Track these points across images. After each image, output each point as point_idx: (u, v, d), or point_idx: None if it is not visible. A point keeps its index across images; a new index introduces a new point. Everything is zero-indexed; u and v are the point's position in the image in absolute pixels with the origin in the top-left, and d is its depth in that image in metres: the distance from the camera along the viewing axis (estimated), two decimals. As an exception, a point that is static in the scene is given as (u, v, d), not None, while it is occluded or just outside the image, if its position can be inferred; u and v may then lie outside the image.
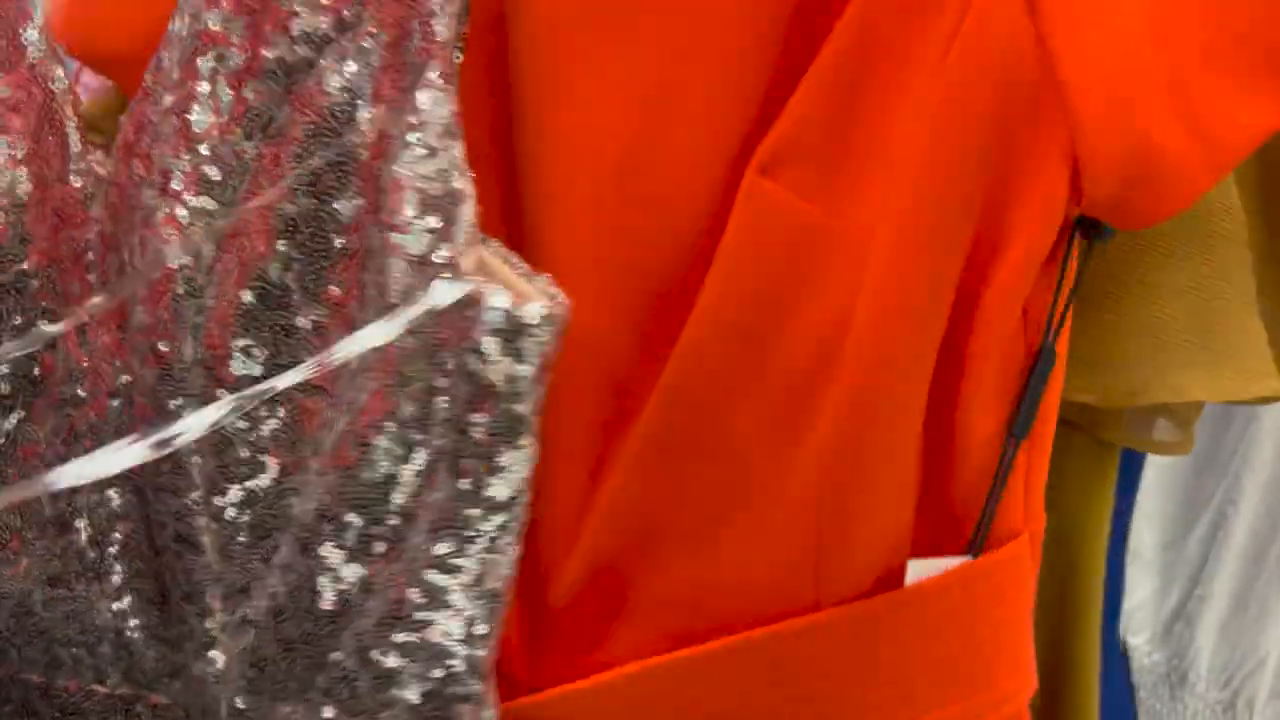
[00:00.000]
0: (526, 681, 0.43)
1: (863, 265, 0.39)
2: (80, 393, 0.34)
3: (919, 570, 0.42)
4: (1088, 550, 0.54)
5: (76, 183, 0.34)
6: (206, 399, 0.32)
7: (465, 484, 0.32)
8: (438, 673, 0.34)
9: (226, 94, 0.30)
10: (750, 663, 0.42)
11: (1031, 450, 0.43)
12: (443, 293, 0.30)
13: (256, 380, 0.32)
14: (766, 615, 0.42)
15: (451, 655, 0.34)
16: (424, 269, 0.30)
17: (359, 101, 0.31)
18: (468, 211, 0.31)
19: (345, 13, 0.30)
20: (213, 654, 0.35)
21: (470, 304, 0.31)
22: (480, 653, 0.34)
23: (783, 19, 0.41)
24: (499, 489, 0.33)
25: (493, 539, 0.33)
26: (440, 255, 0.30)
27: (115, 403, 0.34)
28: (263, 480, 0.33)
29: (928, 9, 0.38)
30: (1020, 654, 0.45)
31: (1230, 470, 0.78)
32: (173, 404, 0.33)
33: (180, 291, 0.32)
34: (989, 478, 0.42)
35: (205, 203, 0.31)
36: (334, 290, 0.32)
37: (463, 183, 0.31)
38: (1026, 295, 0.40)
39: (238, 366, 0.32)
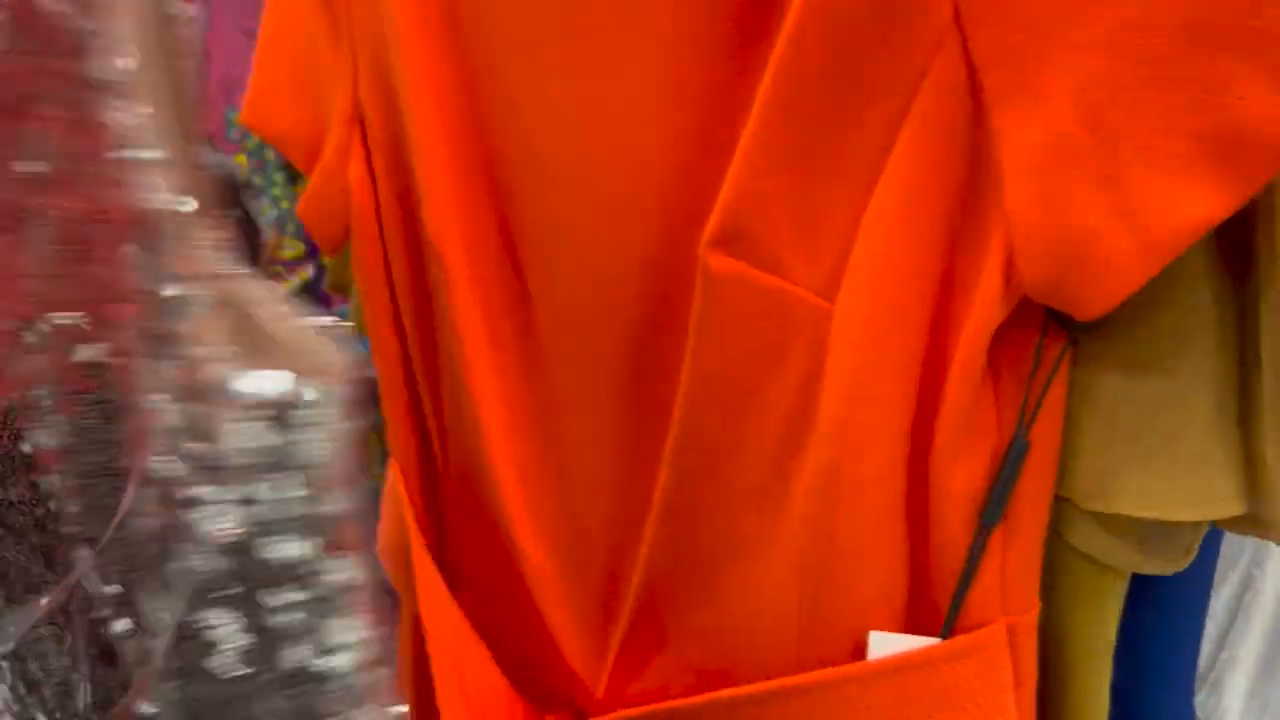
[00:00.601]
0: (598, 701, 0.49)
1: (827, 329, 0.40)
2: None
3: (881, 643, 0.42)
4: (1080, 677, 0.49)
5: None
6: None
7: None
8: None
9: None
10: (731, 716, 0.45)
11: (1010, 540, 0.42)
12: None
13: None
14: (761, 666, 0.44)
15: None
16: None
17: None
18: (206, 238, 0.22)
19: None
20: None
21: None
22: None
23: (699, 93, 0.42)
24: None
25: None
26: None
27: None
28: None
29: (873, 83, 0.38)
30: None
31: (1256, 531, 0.76)
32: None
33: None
34: (962, 562, 0.42)
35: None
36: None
37: (175, 204, 0.23)
38: (978, 376, 0.40)
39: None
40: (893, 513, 0.42)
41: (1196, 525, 0.44)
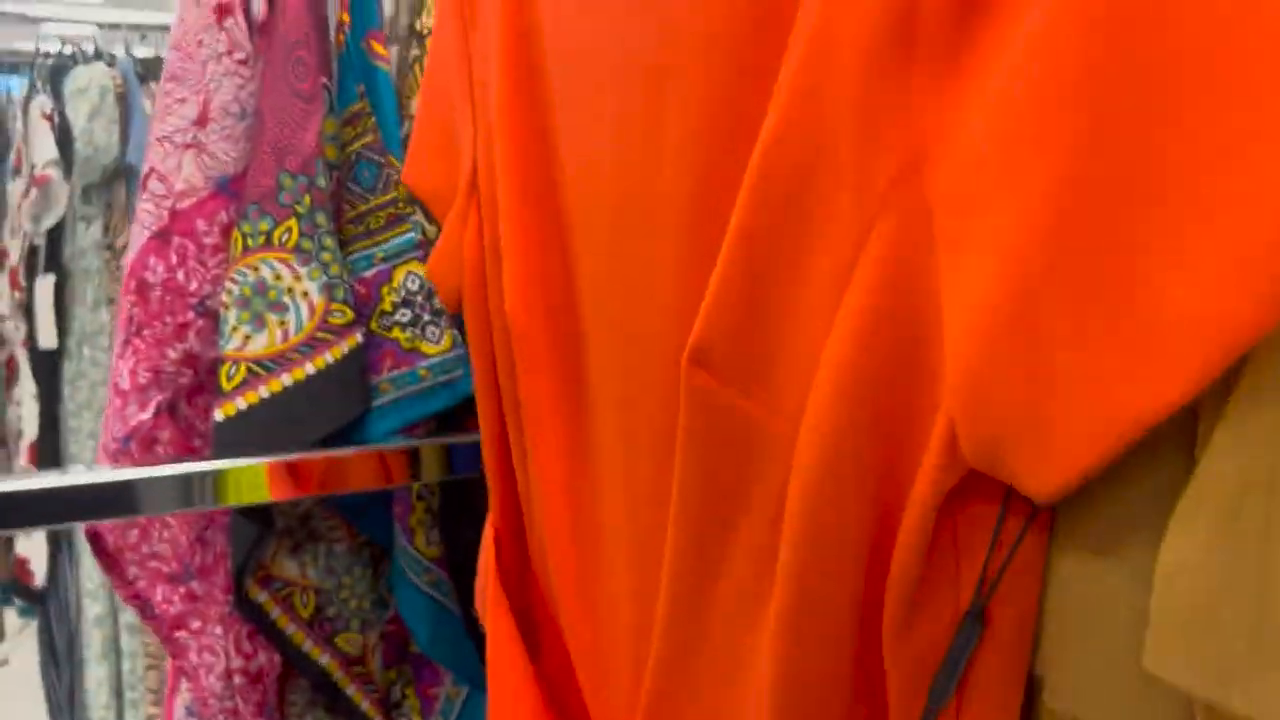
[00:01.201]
0: None
1: (787, 469, 0.38)
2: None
3: None
4: None
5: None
6: None
7: None
8: None
9: None
10: None
11: None
12: None
13: None
14: None
15: None
16: None
17: None
18: None
19: None
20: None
21: None
22: None
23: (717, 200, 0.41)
24: None
25: None
26: None
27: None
28: None
29: (835, 208, 0.35)
30: None
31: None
32: None
33: None
34: None
35: None
36: None
37: None
38: (924, 547, 0.36)
39: None
40: (848, 670, 0.40)
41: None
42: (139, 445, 0.75)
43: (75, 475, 0.67)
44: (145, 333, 0.74)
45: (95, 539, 0.77)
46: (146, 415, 0.74)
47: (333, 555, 0.83)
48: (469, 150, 0.57)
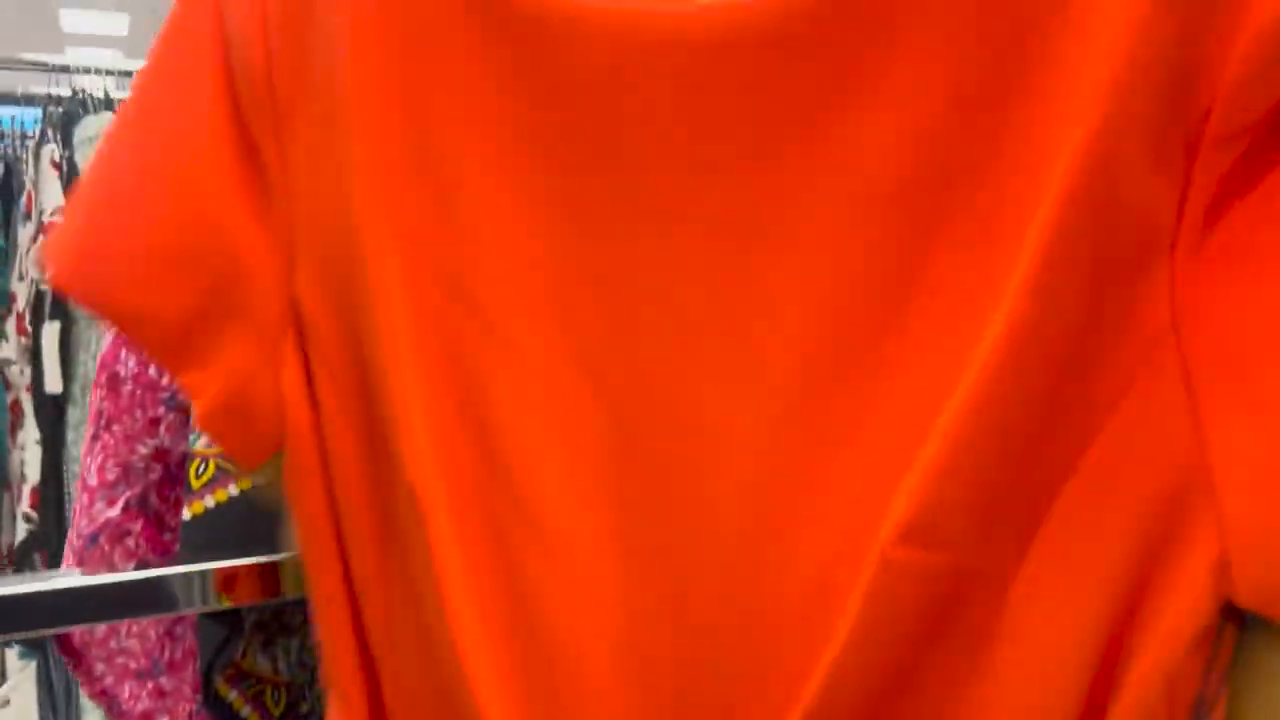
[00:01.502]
0: None
1: (1000, 605, 0.39)
2: None
3: None
4: None
5: None
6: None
7: None
8: None
9: None
10: None
11: None
12: None
13: None
14: None
15: None
16: None
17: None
18: None
19: None
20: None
21: None
22: None
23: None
24: None
25: None
26: None
27: None
28: None
29: (1083, 385, 0.37)
30: None
31: None
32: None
33: None
34: None
35: None
36: None
37: None
38: (1171, 679, 0.38)
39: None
40: None
41: None
42: (108, 540, 0.73)
43: (45, 581, 0.65)
44: (115, 427, 0.72)
45: (61, 636, 0.76)
46: (114, 512, 0.72)
47: (305, 650, 0.81)
48: (273, 276, 0.48)
